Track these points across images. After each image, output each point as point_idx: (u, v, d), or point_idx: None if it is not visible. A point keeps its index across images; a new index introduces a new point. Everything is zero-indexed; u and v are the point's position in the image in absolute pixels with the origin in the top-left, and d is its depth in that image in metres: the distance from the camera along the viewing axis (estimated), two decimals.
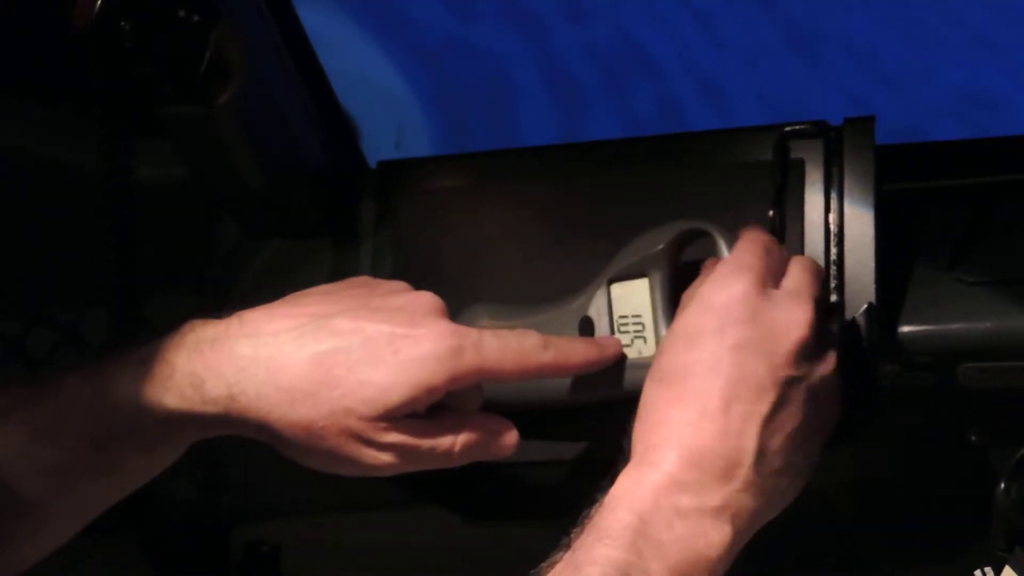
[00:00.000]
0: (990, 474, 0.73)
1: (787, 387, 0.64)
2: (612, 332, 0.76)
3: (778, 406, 0.64)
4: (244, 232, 0.92)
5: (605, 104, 2.05)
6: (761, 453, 0.63)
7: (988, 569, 0.71)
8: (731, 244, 0.73)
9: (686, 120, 2.02)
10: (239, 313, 0.71)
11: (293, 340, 0.68)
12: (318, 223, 0.89)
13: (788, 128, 0.79)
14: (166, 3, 0.78)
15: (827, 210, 0.77)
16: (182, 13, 0.78)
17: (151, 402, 0.68)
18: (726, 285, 0.66)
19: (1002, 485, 0.72)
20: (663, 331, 0.75)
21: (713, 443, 0.62)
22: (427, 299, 0.71)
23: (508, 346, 0.69)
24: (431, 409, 0.69)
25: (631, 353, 0.76)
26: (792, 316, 0.65)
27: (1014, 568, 0.70)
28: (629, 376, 0.75)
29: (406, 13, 2.02)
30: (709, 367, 0.64)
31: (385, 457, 0.68)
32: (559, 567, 0.61)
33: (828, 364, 0.66)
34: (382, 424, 0.67)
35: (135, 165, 0.85)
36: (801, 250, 0.77)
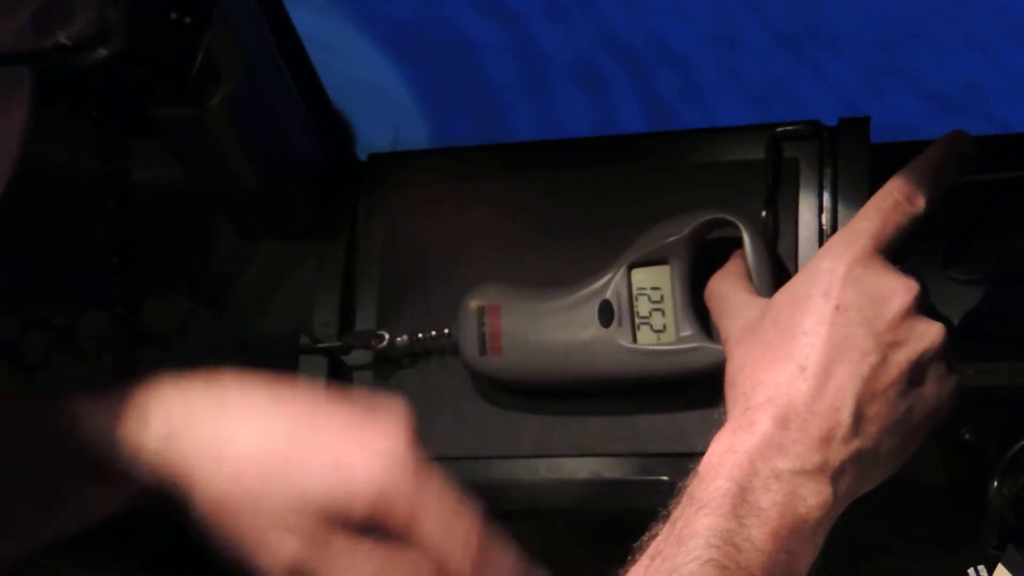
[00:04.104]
0: (983, 472, 0.73)
1: (888, 352, 0.63)
2: (631, 316, 0.76)
3: (878, 370, 0.63)
4: (239, 233, 0.92)
5: (588, 100, 2.05)
6: (859, 416, 0.62)
7: (981, 568, 0.71)
8: (755, 235, 0.74)
9: (672, 115, 2.02)
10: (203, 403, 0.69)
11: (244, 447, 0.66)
12: (312, 222, 0.90)
13: (782, 128, 0.79)
14: (158, 5, 0.78)
15: (820, 210, 0.77)
16: (174, 15, 0.78)
17: (99, 437, 0.67)
18: (834, 252, 0.66)
19: (995, 483, 0.72)
20: (682, 317, 0.75)
21: (811, 403, 0.62)
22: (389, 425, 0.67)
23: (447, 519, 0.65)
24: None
25: (650, 339, 0.76)
26: (898, 282, 0.64)
27: (1007, 566, 0.70)
28: (649, 362, 0.76)
29: (400, 11, 2.02)
30: (811, 328, 0.63)
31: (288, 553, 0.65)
32: (660, 540, 0.60)
33: (935, 336, 0.65)
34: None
35: (130, 167, 0.85)
36: (795, 250, 0.77)
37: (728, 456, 0.61)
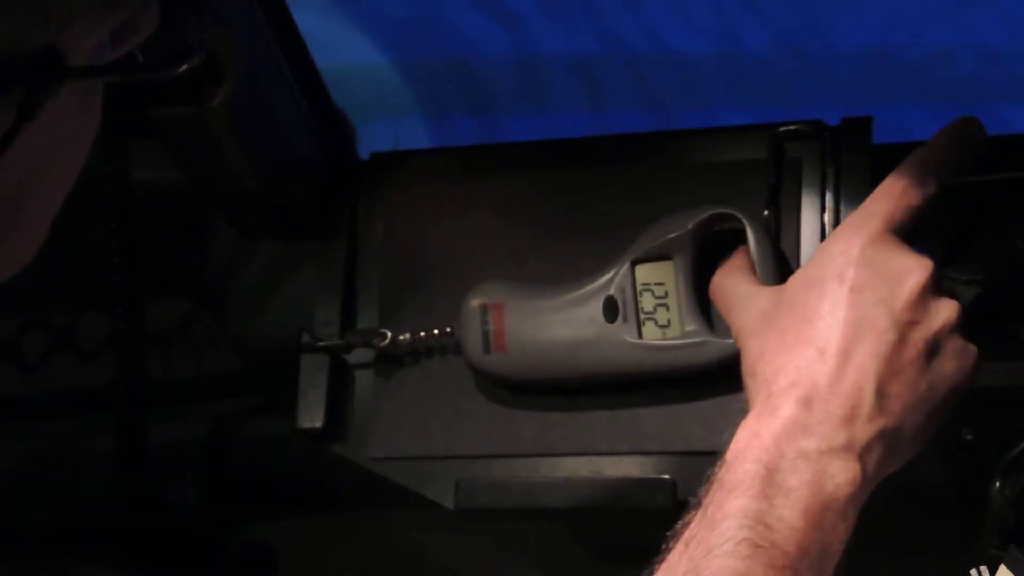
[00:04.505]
0: (985, 472, 0.73)
1: (906, 330, 0.64)
2: (636, 312, 0.76)
3: (897, 348, 0.63)
4: (239, 233, 0.91)
5: (587, 99, 2.05)
6: (881, 394, 0.63)
7: (984, 568, 0.71)
8: (758, 229, 0.74)
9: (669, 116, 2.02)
10: None
11: None
12: (313, 222, 0.89)
13: (783, 128, 0.79)
14: None
15: (822, 209, 0.78)
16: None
17: None
18: (846, 235, 0.66)
19: (996, 483, 0.72)
20: (687, 312, 0.75)
21: (833, 384, 0.62)
22: None
23: None
24: None
25: (655, 334, 0.76)
26: (911, 261, 0.65)
27: (1009, 566, 0.70)
28: (654, 357, 0.76)
29: (400, 11, 2.02)
30: (828, 311, 0.64)
31: None
32: (693, 526, 0.61)
33: (950, 314, 0.65)
34: None
35: (130, 168, 0.84)
36: (797, 250, 0.77)
37: (754, 441, 0.62)
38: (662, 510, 0.77)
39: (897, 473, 0.66)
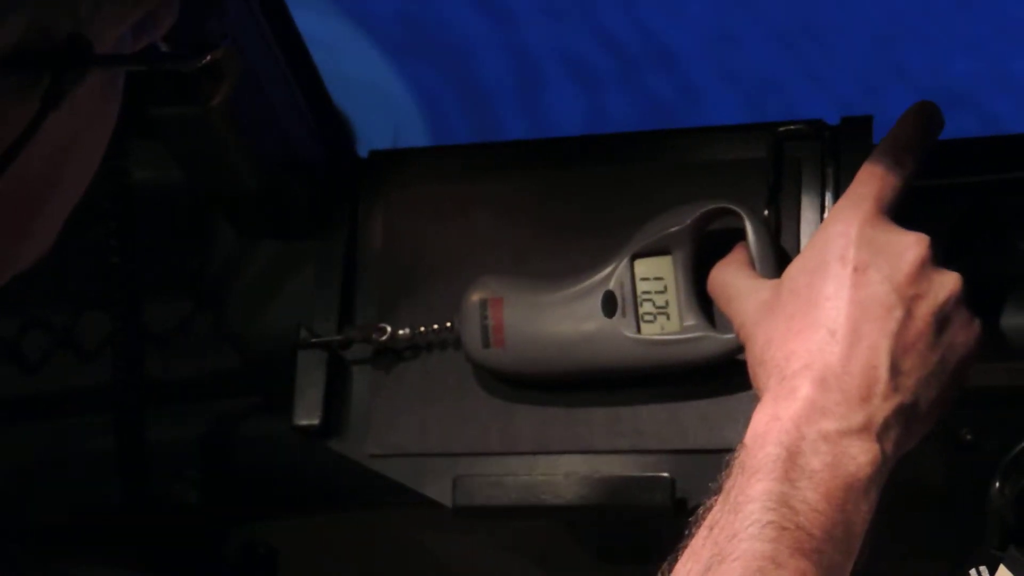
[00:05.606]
0: (984, 473, 0.73)
1: (912, 305, 0.64)
2: (635, 307, 0.77)
3: (906, 324, 0.64)
4: (239, 233, 0.91)
5: (583, 98, 2.05)
6: (895, 371, 0.63)
7: (983, 568, 0.71)
8: (757, 223, 0.74)
9: (670, 115, 2.02)
10: None
11: None
12: (313, 222, 0.89)
13: (784, 128, 0.79)
14: None
15: (822, 209, 0.78)
16: None
17: None
18: (842, 217, 0.67)
19: (996, 484, 0.72)
20: (686, 307, 0.76)
21: (847, 364, 0.63)
22: None
23: None
24: None
25: (654, 329, 0.76)
26: (909, 237, 0.66)
27: (1009, 567, 0.70)
28: (653, 352, 0.76)
29: (399, 11, 2.02)
30: (833, 293, 0.65)
31: None
32: (715, 511, 0.61)
33: (954, 285, 0.66)
34: None
35: (130, 167, 0.84)
36: (797, 249, 0.77)
37: (773, 424, 0.62)
38: (661, 508, 0.77)
39: (897, 474, 0.66)
